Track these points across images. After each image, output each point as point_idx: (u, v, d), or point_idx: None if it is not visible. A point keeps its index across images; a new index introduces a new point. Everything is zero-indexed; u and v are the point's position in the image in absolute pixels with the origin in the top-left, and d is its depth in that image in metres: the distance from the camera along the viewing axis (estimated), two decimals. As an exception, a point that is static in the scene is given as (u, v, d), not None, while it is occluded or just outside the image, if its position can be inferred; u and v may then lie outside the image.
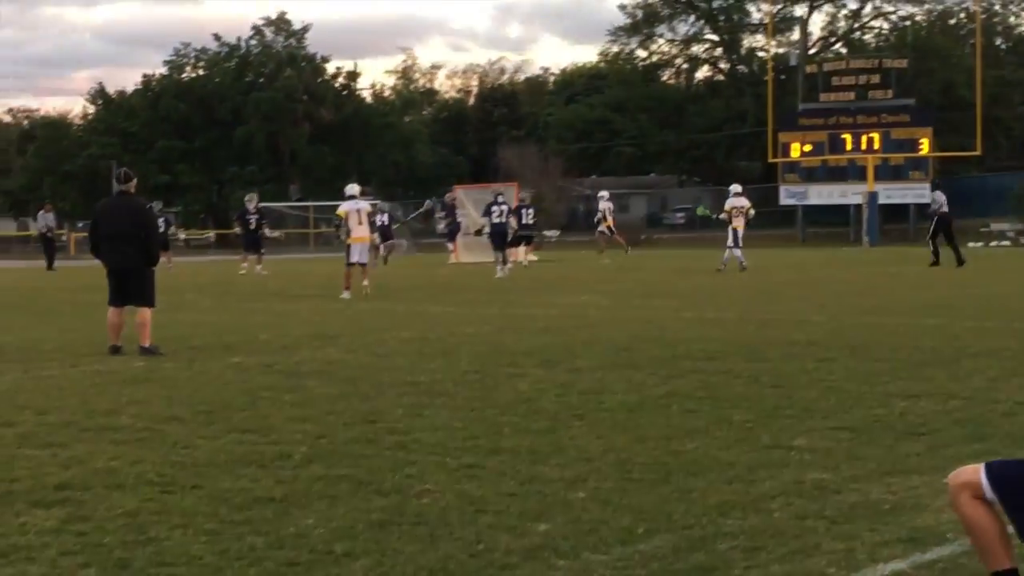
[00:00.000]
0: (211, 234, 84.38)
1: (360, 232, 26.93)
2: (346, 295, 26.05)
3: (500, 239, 35.47)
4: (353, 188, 27.98)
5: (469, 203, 46.56)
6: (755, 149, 77.12)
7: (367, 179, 69.71)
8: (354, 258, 26.78)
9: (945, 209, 36.09)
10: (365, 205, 27.74)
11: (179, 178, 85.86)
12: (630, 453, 8.78)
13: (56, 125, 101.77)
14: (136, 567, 6.23)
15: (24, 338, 17.93)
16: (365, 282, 26.34)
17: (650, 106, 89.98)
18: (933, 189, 38.28)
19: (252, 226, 40.51)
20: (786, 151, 66.60)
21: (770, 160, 68.03)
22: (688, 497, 7.50)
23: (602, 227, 48.06)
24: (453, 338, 17.06)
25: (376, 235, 35.20)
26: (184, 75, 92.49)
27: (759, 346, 15.22)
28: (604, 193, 49.22)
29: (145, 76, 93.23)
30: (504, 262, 34.77)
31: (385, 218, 41.05)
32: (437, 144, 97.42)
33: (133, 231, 15.98)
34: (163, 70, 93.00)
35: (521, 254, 41.01)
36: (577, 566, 6.15)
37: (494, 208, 36.19)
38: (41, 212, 50.99)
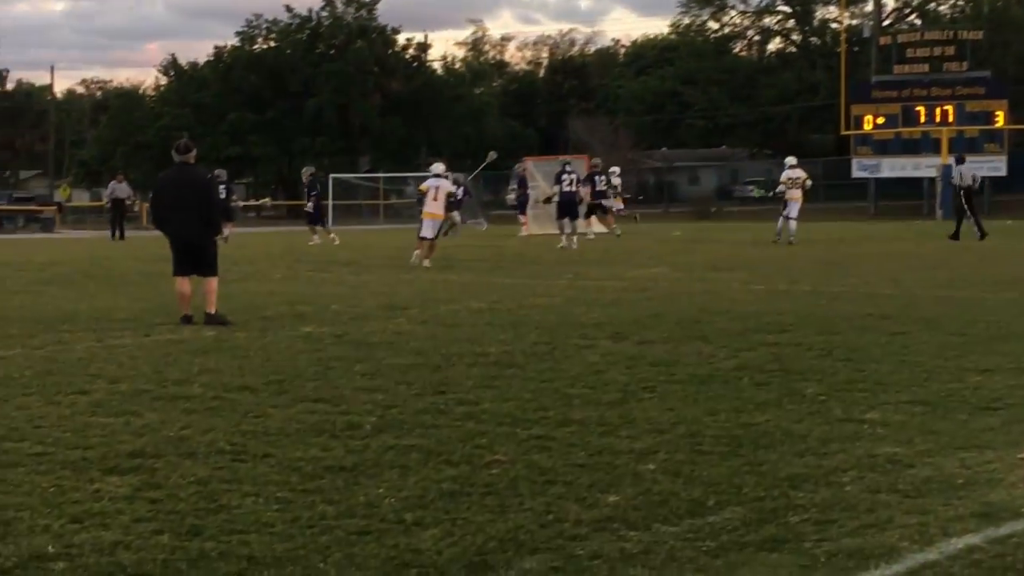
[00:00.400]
0: (267, 201, 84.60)
1: (433, 208, 27.28)
2: (416, 256, 27.09)
3: (568, 208, 35.40)
4: (438, 167, 28.59)
5: (539, 175, 46.51)
6: (827, 121, 76.47)
7: (438, 151, 69.72)
8: (423, 232, 27.11)
9: (968, 183, 35.83)
10: (446, 184, 28.02)
11: (251, 150, 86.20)
12: (700, 425, 8.75)
13: (129, 96, 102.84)
14: (208, 534, 6.27)
15: (97, 307, 18.06)
16: (426, 263, 26.52)
17: (721, 78, 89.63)
18: (958, 163, 37.39)
19: (307, 200, 41.37)
20: (859, 123, 65.93)
21: (842, 133, 67.41)
22: (759, 470, 7.46)
23: (619, 204, 48.03)
24: (522, 309, 17.06)
25: (456, 213, 35.42)
26: (255, 47, 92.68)
27: (831, 319, 15.12)
28: (615, 169, 49.14)
29: (217, 48, 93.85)
30: (573, 232, 34.71)
31: (460, 192, 41.08)
32: (507, 116, 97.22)
33: (195, 202, 16.06)
34: (235, 41, 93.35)
35: (595, 224, 40.91)
36: (647, 537, 6.13)
37: (564, 176, 36.10)
38: (113, 182, 51.45)
